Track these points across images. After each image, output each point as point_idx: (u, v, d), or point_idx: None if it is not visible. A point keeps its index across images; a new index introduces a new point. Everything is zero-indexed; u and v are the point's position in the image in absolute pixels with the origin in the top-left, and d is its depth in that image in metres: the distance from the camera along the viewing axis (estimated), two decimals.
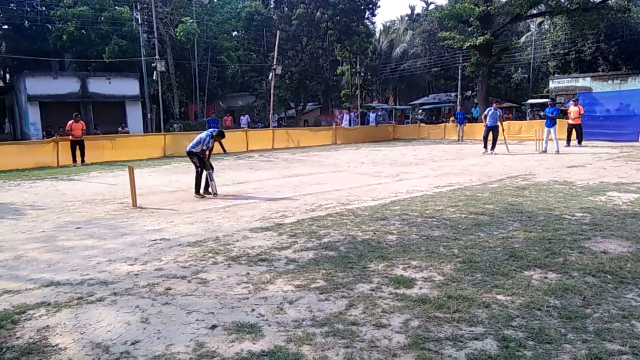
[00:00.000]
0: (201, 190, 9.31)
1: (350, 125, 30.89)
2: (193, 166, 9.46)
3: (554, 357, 2.89)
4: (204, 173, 9.30)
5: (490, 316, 3.46)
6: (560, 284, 4.03)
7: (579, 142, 18.16)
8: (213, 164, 9.68)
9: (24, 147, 17.73)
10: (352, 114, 34.76)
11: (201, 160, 9.23)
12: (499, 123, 16.43)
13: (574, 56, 36.84)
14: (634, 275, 4.18)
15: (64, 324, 3.57)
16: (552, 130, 16.30)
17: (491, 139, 16.42)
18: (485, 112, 17.01)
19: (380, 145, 23.01)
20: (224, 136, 9.78)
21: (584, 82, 30.96)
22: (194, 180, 9.35)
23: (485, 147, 16.41)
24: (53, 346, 3.22)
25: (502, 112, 17.32)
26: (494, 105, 17.06)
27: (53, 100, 27.05)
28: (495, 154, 15.99)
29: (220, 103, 41.56)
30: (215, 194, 9.28)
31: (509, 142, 18.45)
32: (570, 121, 18.20)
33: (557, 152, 15.64)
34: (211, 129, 10.04)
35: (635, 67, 31.51)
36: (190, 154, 9.32)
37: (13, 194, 10.53)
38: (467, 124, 25.01)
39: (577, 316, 3.42)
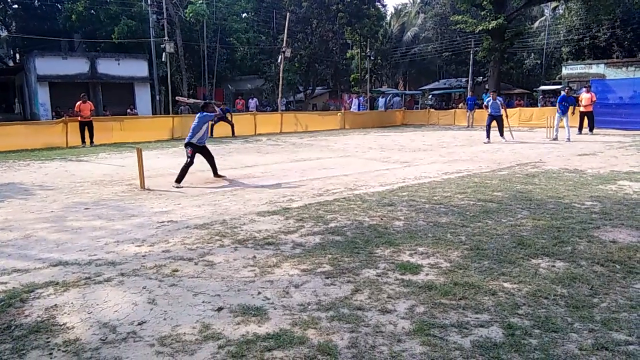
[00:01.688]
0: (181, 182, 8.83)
1: (359, 110, 30.71)
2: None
3: (559, 345, 2.88)
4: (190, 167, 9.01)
5: (497, 304, 3.44)
6: (568, 273, 4.00)
7: (591, 130, 17.94)
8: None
9: (33, 128, 17.80)
10: (361, 98, 34.50)
11: (194, 152, 8.96)
12: (502, 111, 16.17)
13: (588, 42, 36.23)
14: None
15: (72, 303, 3.60)
16: (564, 117, 16.13)
17: (497, 127, 16.17)
18: (486, 102, 16.82)
19: (389, 131, 22.88)
20: (209, 106, 9.31)
21: (597, 68, 30.43)
22: (180, 171, 8.92)
23: (488, 136, 16.10)
24: (61, 325, 3.26)
25: (502, 100, 16.92)
26: (492, 95, 16.58)
27: (62, 81, 27.02)
28: (505, 141, 15.84)
29: (229, 86, 41.39)
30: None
31: (519, 129, 18.25)
32: (581, 108, 17.96)
33: (568, 139, 15.48)
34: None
35: None
36: (187, 145, 9.01)
37: (22, 174, 10.61)
38: (477, 110, 24.70)
39: (584, 305, 3.40)
